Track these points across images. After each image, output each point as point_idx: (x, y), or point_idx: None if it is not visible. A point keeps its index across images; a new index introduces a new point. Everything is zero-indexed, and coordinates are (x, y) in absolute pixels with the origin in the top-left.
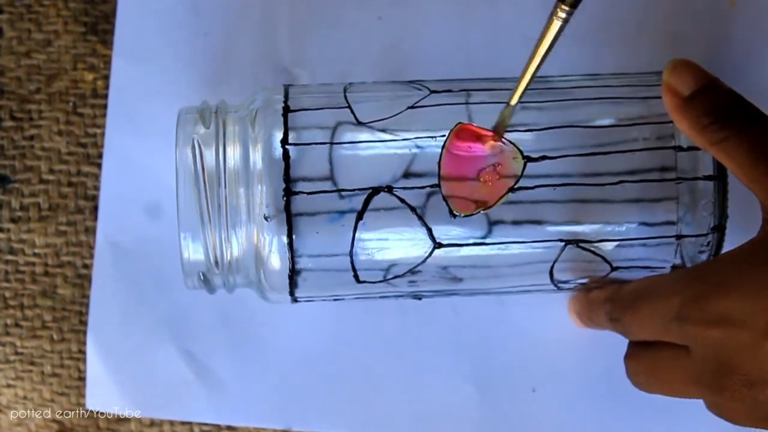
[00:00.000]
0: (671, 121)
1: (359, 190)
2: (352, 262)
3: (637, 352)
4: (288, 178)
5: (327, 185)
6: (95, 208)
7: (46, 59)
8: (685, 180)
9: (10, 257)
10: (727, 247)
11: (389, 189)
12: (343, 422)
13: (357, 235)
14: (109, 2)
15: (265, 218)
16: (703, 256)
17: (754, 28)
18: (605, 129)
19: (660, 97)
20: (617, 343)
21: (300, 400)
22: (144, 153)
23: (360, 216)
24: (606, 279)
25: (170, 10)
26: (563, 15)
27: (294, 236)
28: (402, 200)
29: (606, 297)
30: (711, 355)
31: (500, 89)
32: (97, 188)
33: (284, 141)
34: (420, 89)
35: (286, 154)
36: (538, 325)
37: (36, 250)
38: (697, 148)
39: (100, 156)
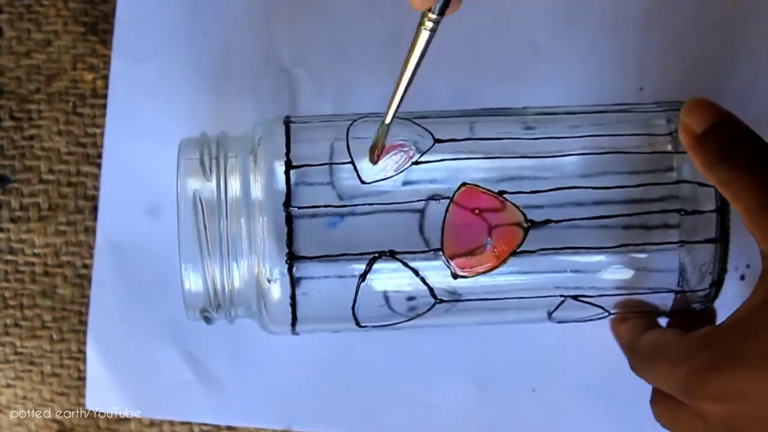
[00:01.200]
0: (676, 182)
1: (361, 255)
2: (354, 315)
3: (661, 399)
4: (291, 244)
5: (329, 239)
6: (95, 208)
7: (45, 59)
8: (688, 243)
9: (10, 257)
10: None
11: (392, 254)
12: (343, 422)
13: (359, 292)
14: (109, 2)
15: (268, 281)
16: (700, 306)
17: (754, 27)
18: (609, 181)
19: (664, 152)
20: (617, 343)
21: (300, 400)
22: (144, 153)
23: (363, 278)
24: (634, 307)
25: (170, 10)
26: (431, 25)
27: (296, 288)
28: (405, 264)
29: (626, 344)
30: (723, 427)
31: (508, 138)
32: (96, 188)
33: (287, 204)
34: (423, 136)
35: (288, 218)
36: (537, 325)
37: (36, 250)
38: (700, 212)
39: (100, 156)
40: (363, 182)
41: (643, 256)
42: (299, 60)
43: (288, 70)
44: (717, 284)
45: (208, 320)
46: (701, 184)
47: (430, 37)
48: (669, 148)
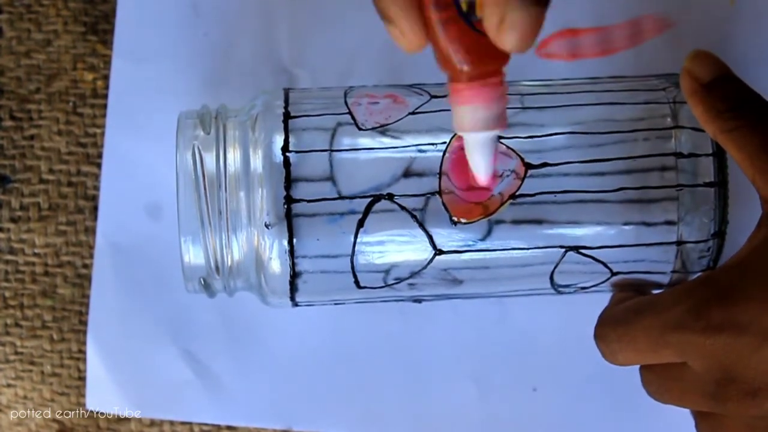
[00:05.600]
0: (672, 127)
1: (360, 197)
2: (352, 267)
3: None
4: (289, 186)
5: (327, 185)
6: (95, 208)
7: (46, 59)
8: (686, 187)
9: (10, 257)
10: (727, 251)
11: (390, 197)
12: (343, 422)
13: (357, 240)
14: (109, 2)
15: (266, 226)
16: (704, 261)
17: (754, 26)
18: (605, 126)
19: (659, 103)
20: None
21: (300, 400)
22: (144, 153)
23: (361, 223)
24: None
25: (170, 10)
26: None
27: (295, 240)
28: (403, 207)
29: (600, 316)
30: (715, 365)
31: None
32: (97, 188)
33: (285, 148)
34: (421, 94)
35: (286, 162)
36: (538, 324)
37: (36, 250)
38: (697, 155)
39: (100, 156)
40: (360, 128)
41: (641, 205)
42: (299, 60)
43: (288, 70)
44: (719, 236)
45: (208, 288)
46: (697, 130)
47: None
48: (666, 100)
